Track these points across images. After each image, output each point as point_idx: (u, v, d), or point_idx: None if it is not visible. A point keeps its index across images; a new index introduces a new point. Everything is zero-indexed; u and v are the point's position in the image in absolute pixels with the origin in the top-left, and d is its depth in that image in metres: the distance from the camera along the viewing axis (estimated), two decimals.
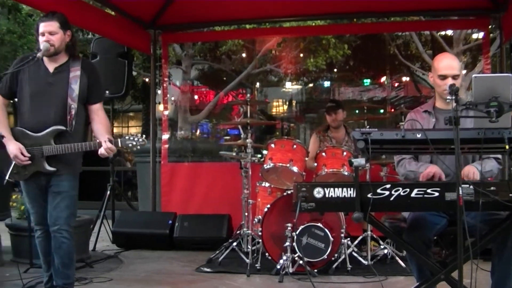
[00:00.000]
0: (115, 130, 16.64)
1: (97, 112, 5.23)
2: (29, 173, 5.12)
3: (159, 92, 11.28)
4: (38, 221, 5.27)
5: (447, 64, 4.79)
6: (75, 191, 5.26)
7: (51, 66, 5.18)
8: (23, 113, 5.18)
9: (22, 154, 5.02)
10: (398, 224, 4.75)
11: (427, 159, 4.80)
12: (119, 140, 4.74)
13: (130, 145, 4.75)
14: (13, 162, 5.11)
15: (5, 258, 7.49)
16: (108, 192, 9.01)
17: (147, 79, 18.11)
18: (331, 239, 6.65)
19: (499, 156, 4.78)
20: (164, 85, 10.31)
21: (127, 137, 4.78)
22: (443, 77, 4.72)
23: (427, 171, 4.58)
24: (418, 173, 4.69)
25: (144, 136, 4.86)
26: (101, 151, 4.95)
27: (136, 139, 4.78)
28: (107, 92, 8.33)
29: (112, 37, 8.87)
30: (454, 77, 4.69)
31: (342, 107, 8.38)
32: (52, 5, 6.35)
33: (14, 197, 8.43)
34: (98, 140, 4.99)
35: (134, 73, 16.42)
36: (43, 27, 5.09)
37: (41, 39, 5.08)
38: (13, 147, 5.05)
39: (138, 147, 4.83)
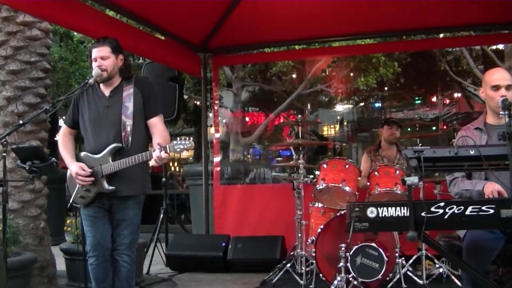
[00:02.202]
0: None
1: (156, 125, 5.22)
2: (92, 195, 5.14)
3: (210, 115, 11.32)
4: (93, 247, 5.19)
5: (500, 75, 4.72)
6: (138, 217, 5.29)
7: (107, 91, 5.25)
8: (86, 138, 5.27)
9: (83, 170, 5.07)
10: (453, 243, 4.69)
11: (480, 177, 4.71)
12: (167, 146, 4.75)
13: (179, 149, 4.74)
14: (77, 186, 5.16)
15: (60, 282, 7.58)
16: (162, 215, 9.08)
17: (198, 102, 18.29)
18: (386, 258, 6.55)
19: None
20: (215, 107, 10.31)
21: (174, 142, 4.78)
22: (496, 88, 4.63)
23: (490, 189, 4.44)
24: (474, 191, 4.58)
25: (191, 138, 4.84)
26: (152, 162, 4.93)
27: (183, 142, 4.78)
28: None
29: (163, 61, 8.94)
30: (508, 87, 4.61)
31: (400, 126, 8.32)
32: (102, 31, 6.43)
33: (68, 221, 8.53)
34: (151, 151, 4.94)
35: (185, 97, 16.58)
36: (95, 52, 5.16)
37: (93, 65, 5.15)
38: (74, 166, 5.11)
39: (187, 149, 4.82)
